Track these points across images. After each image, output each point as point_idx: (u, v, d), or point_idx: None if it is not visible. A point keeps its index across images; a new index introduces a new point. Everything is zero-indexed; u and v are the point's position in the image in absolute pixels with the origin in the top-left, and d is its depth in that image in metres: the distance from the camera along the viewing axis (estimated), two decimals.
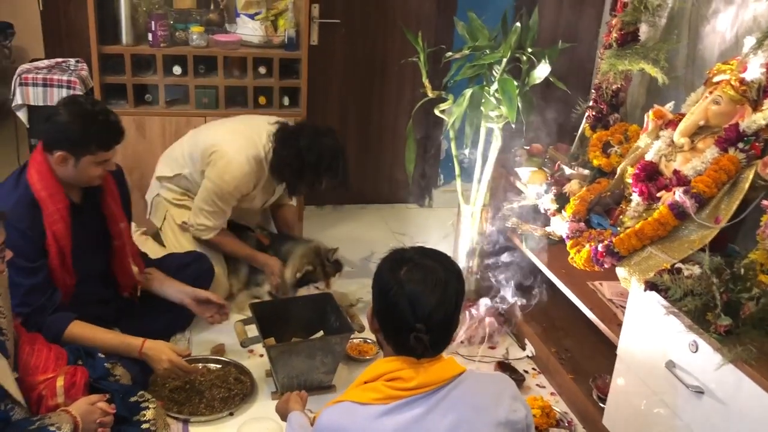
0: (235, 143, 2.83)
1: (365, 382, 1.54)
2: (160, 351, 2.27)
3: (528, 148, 3.08)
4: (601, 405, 2.36)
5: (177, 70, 3.32)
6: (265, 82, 3.45)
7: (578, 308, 2.61)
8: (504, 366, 2.71)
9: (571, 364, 2.66)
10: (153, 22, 3.19)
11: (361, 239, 3.80)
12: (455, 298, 1.50)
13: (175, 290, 2.59)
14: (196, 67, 3.34)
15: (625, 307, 2.43)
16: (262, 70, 3.43)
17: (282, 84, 3.46)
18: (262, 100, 3.48)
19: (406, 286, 1.48)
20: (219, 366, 2.59)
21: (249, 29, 3.43)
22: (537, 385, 2.71)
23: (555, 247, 2.80)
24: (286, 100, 3.51)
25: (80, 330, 2.21)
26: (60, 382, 1.95)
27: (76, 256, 2.27)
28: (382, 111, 4.10)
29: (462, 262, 3.01)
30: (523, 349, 2.87)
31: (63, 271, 2.25)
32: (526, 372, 2.76)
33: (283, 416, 2.03)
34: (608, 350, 2.62)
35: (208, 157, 2.82)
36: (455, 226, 3.08)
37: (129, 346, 2.26)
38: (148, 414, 1.98)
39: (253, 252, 3.05)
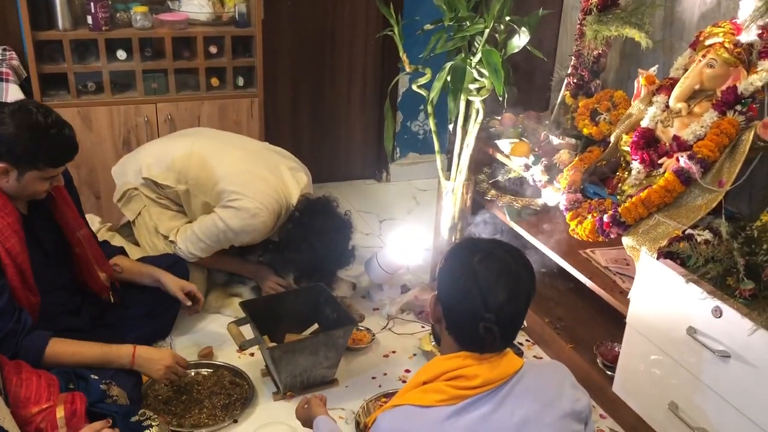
0: (261, 196, 2.62)
1: (424, 383, 1.46)
2: (156, 352, 2.15)
3: (499, 118, 3.03)
4: (608, 372, 2.38)
5: (122, 54, 3.07)
6: (217, 62, 3.24)
7: (565, 276, 2.62)
8: None
9: (568, 333, 2.66)
10: (92, 4, 2.91)
11: None
12: (527, 293, 1.44)
13: (151, 279, 2.46)
14: (142, 50, 3.09)
15: (622, 274, 2.46)
16: (213, 49, 3.22)
17: (235, 63, 3.26)
18: (215, 81, 3.27)
19: (479, 275, 1.41)
20: (210, 371, 2.44)
21: (195, 6, 3.20)
22: (534, 356, 2.70)
23: (539, 217, 2.79)
24: (240, 81, 3.31)
25: (61, 347, 2.02)
26: (60, 413, 1.77)
27: (36, 271, 2.05)
28: (335, 86, 3.96)
29: (444, 239, 2.95)
30: None
31: (25, 289, 2.03)
32: (521, 344, 2.75)
33: (306, 422, 1.93)
34: (603, 317, 2.66)
35: (228, 201, 2.60)
36: (437, 202, 3.01)
37: (119, 356, 2.09)
38: None
39: (239, 264, 2.89)
